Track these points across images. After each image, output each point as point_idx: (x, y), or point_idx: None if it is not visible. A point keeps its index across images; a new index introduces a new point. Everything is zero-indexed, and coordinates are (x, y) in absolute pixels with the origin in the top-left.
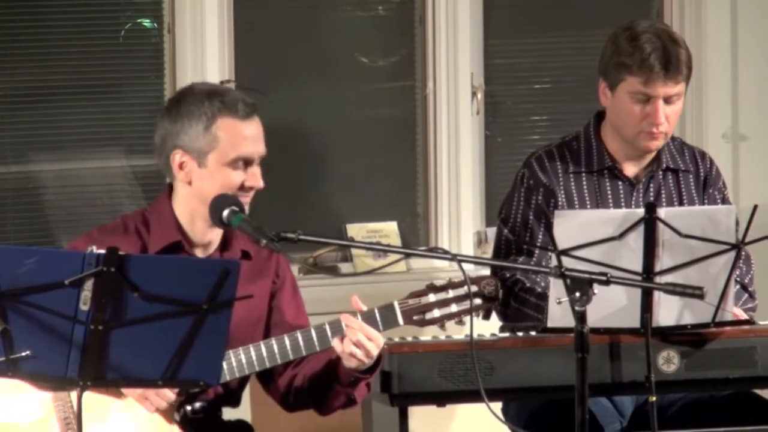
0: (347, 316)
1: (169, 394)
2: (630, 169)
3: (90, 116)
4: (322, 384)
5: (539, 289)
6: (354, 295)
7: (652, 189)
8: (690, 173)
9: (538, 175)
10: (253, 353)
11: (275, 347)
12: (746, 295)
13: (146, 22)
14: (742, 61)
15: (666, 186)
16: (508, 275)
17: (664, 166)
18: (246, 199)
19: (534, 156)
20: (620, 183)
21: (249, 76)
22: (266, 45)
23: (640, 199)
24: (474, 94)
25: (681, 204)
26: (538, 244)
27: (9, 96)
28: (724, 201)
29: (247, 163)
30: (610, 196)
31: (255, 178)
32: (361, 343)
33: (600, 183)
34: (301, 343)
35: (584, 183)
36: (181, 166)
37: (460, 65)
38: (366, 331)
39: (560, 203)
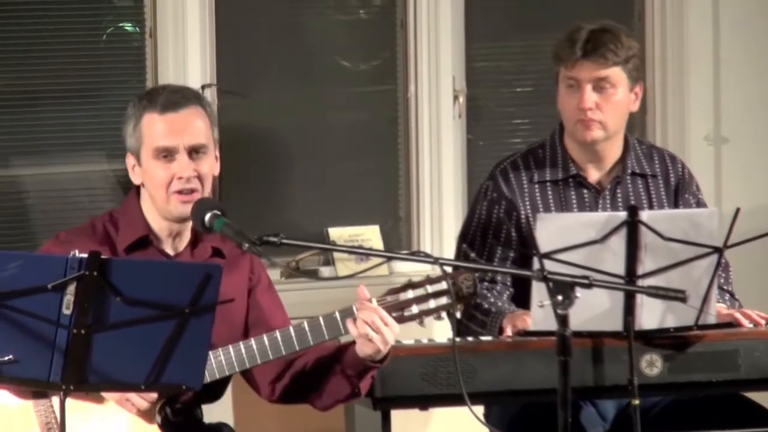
0: (362, 301)
1: (152, 395)
2: (594, 176)
3: (72, 120)
4: (327, 371)
5: (486, 305)
6: (361, 285)
7: (619, 195)
8: (659, 177)
9: (502, 189)
10: (242, 350)
11: (279, 339)
12: (738, 303)
13: (128, 27)
14: (724, 63)
15: (635, 192)
16: None
17: (630, 171)
18: (185, 197)
19: (499, 168)
20: (585, 191)
21: (231, 80)
22: (248, 49)
23: (608, 207)
24: (456, 97)
25: (651, 210)
26: (495, 262)
27: None
28: (699, 204)
29: (169, 154)
30: (575, 205)
31: (179, 168)
32: (376, 326)
33: (565, 192)
34: (308, 332)
35: (549, 192)
36: (133, 169)
37: (441, 69)
38: (382, 315)
39: (522, 217)
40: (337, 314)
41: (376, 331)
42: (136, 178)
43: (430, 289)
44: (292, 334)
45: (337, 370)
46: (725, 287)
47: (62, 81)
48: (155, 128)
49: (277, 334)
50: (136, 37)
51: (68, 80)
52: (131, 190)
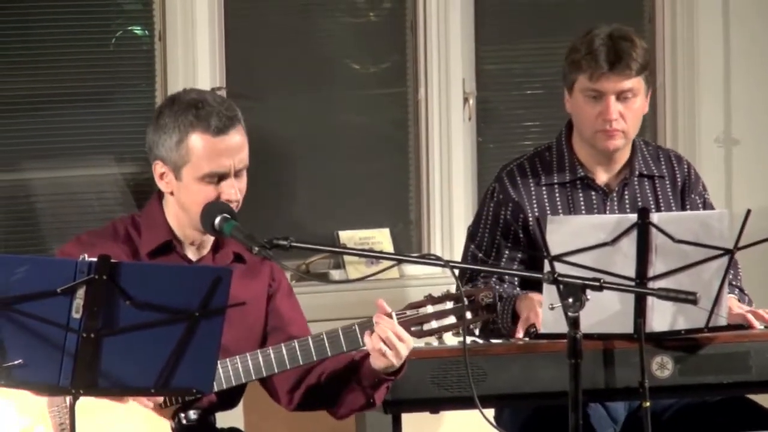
0: (380, 315)
1: None
2: (602, 177)
3: (81, 124)
4: (342, 383)
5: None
6: (380, 299)
7: (627, 197)
8: (666, 178)
9: (508, 191)
10: (260, 358)
11: (297, 349)
12: (747, 298)
13: (137, 30)
14: (734, 65)
15: (642, 193)
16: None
17: (637, 172)
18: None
19: (505, 170)
20: (593, 193)
21: (240, 84)
22: (257, 52)
23: (615, 208)
24: (466, 100)
25: (658, 211)
26: (503, 262)
27: (0, 104)
28: (705, 204)
29: (221, 177)
30: (583, 207)
31: (230, 191)
32: (391, 342)
33: (573, 194)
34: (327, 343)
35: (557, 195)
36: (161, 177)
37: (451, 71)
38: (397, 331)
39: (530, 219)
40: (356, 327)
41: (390, 347)
42: (165, 187)
43: (450, 304)
44: (311, 344)
45: (352, 381)
46: (734, 283)
47: (72, 84)
48: (208, 152)
49: (296, 343)
50: (145, 40)
51: (78, 84)
52: (153, 195)
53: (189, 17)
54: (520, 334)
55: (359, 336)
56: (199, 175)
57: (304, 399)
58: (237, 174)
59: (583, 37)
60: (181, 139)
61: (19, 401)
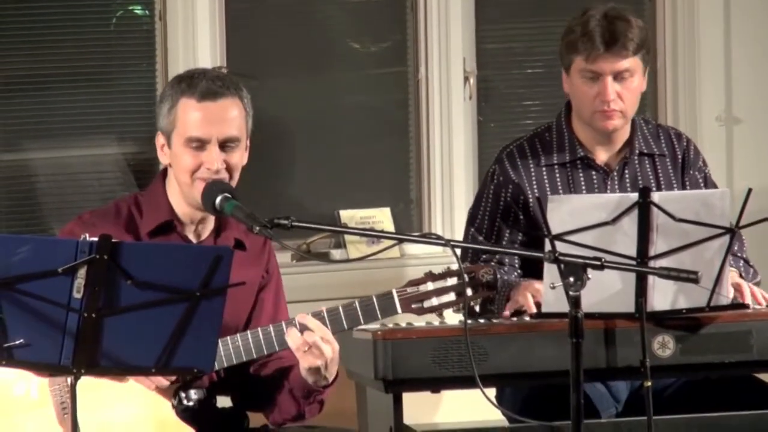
0: (303, 315)
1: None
2: (602, 157)
3: (82, 104)
4: (276, 388)
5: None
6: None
7: (627, 176)
8: (666, 157)
9: (508, 173)
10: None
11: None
12: (752, 270)
13: (138, 10)
14: (735, 44)
15: (643, 172)
16: None
17: (637, 151)
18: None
19: (505, 151)
20: (593, 173)
21: (241, 63)
22: (258, 31)
23: (616, 188)
24: (466, 79)
25: (659, 189)
26: (503, 244)
27: (0, 84)
28: (707, 180)
29: (202, 144)
30: (583, 187)
31: (210, 160)
32: (316, 344)
33: (573, 174)
34: (262, 340)
35: (557, 175)
36: (162, 148)
37: (452, 50)
38: (323, 331)
39: (530, 200)
40: (283, 325)
41: (313, 347)
42: (164, 158)
43: (450, 281)
44: (250, 340)
45: (286, 388)
46: (739, 254)
47: (72, 65)
48: (190, 115)
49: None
50: (145, 20)
51: (78, 64)
52: (158, 174)
53: None
54: (506, 313)
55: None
56: (183, 140)
57: (248, 399)
58: (225, 146)
59: (579, 17)
60: (172, 105)
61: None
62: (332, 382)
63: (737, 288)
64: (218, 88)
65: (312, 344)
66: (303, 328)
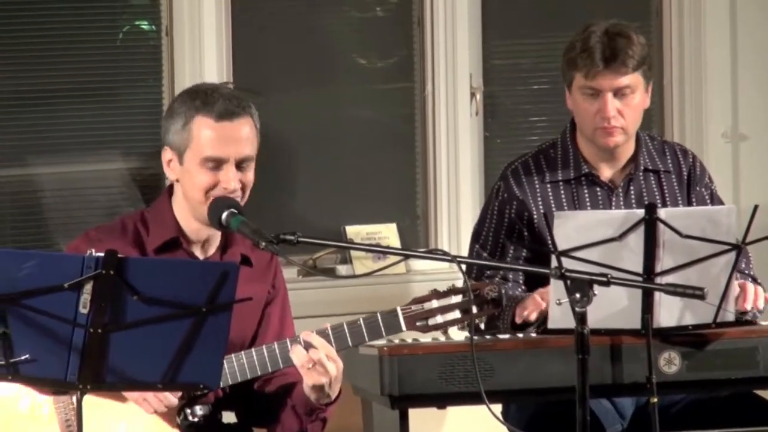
0: (308, 332)
1: (171, 399)
2: (606, 173)
3: (88, 119)
4: (280, 405)
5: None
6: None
7: (632, 192)
8: (671, 173)
9: (513, 189)
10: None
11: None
12: (760, 288)
13: (144, 25)
14: (741, 61)
15: (648, 188)
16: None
17: (642, 167)
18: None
19: (510, 168)
20: (598, 189)
21: (247, 78)
22: (264, 47)
23: (621, 204)
24: (473, 95)
25: (664, 206)
26: (508, 261)
27: (7, 99)
28: (713, 197)
29: (219, 164)
30: (588, 203)
31: (227, 179)
32: (320, 361)
33: (578, 190)
34: (266, 357)
35: (562, 192)
36: (169, 163)
37: (458, 66)
38: (327, 349)
39: (535, 217)
40: (288, 342)
41: (318, 364)
42: (171, 174)
43: (455, 299)
44: (255, 358)
45: (289, 405)
46: (746, 271)
47: (78, 80)
48: (208, 135)
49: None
50: (152, 35)
51: (85, 79)
52: (164, 190)
53: (196, 12)
54: (527, 314)
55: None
56: (199, 159)
57: (249, 415)
58: (240, 166)
59: (580, 33)
60: (186, 122)
61: (25, 398)
62: (335, 399)
63: (742, 287)
64: (234, 108)
65: (316, 362)
66: (308, 346)
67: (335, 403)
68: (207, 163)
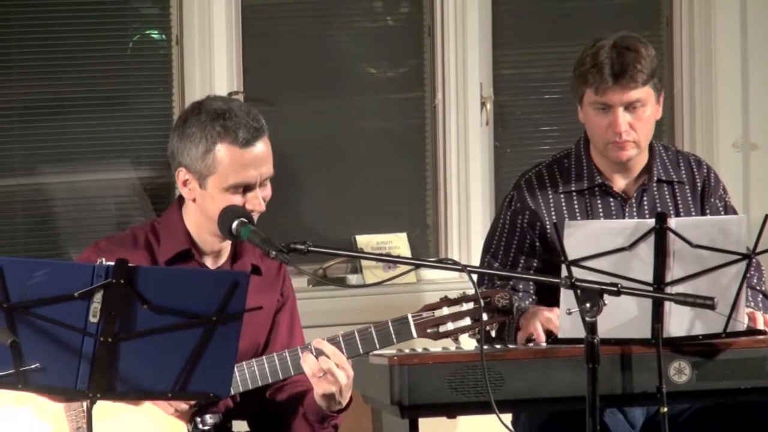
0: (319, 340)
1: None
2: (620, 184)
3: (99, 128)
4: (291, 413)
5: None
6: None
7: (646, 203)
8: (685, 184)
9: (526, 199)
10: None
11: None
12: None
13: (154, 34)
14: (752, 70)
15: (661, 199)
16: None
17: (656, 178)
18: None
19: (524, 178)
20: (611, 200)
21: (257, 88)
22: (275, 56)
23: (634, 215)
24: (483, 104)
25: (678, 216)
26: (519, 270)
27: (18, 108)
28: (726, 208)
29: (246, 188)
30: (601, 214)
31: (255, 201)
32: (331, 370)
33: (591, 201)
34: (278, 365)
35: (575, 202)
36: (185, 184)
37: (469, 76)
38: (338, 358)
39: (548, 227)
40: (299, 350)
41: (327, 373)
42: (188, 194)
43: (466, 306)
44: (266, 365)
45: (300, 413)
46: (758, 287)
47: (89, 89)
48: (235, 163)
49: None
50: (162, 44)
51: (95, 88)
52: (174, 201)
53: (206, 21)
54: (521, 341)
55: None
56: (225, 186)
57: (261, 423)
58: (261, 183)
59: (589, 48)
60: (208, 150)
61: (36, 407)
62: (346, 406)
63: (751, 317)
64: (255, 131)
65: (327, 371)
66: (319, 354)
67: (347, 409)
68: (234, 189)
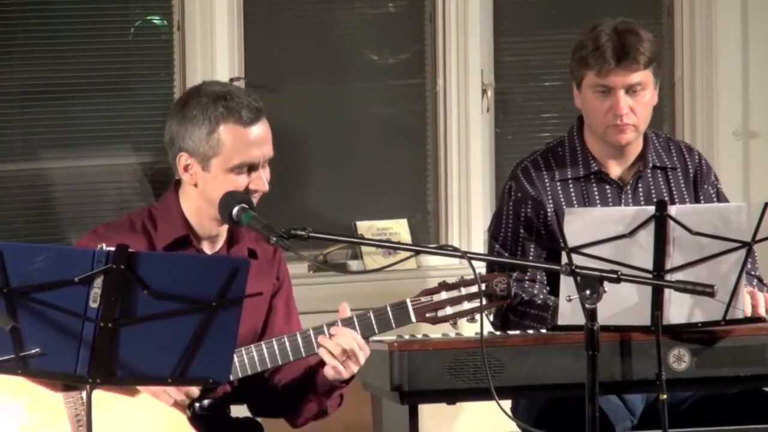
0: (336, 327)
1: (194, 389)
2: (615, 171)
3: (100, 114)
4: (300, 391)
5: (539, 301)
6: (343, 303)
7: (641, 190)
8: (678, 170)
9: (526, 188)
10: (245, 356)
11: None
12: (766, 288)
13: (156, 20)
14: (752, 59)
15: (656, 185)
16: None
17: (651, 165)
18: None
19: (520, 167)
20: (607, 187)
21: (259, 74)
22: (276, 42)
23: (629, 201)
24: (484, 91)
25: (672, 203)
26: (531, 259)
27: (19, 93)
28: (719, 195)
29: (251, 168)
30: (598, 201)
31: (259, 181)
32: (353, 351)
33: (587, 188)
34: (288, 347)
35: (572, 190)
36: (186, 169)
37: (470, 62)
38: (358, 339)
39: (549, 214)
40: (311, 332)
41: (350, 356)
42: (189, 179)
43: (464, 290)
44: (275, 347)
45: (308, 390)
46: (752, 272)
47: (90, 74)
48: (240, 142)
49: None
50: (164, 30)
51: (96, 73)
52: (170, 187)
53: (208, 7)
54: None
55: (314, 341)
56: (230, 166)
57: (265, 407)
58: (262, 164)
59: (589, 32)
60: (212, 131)
61: (33, 396)
62: (351, 376)
63: (752, 295)
64: (257, 111)
65: (350, 353)
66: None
67: (352, 379)
68: (240, 170)
